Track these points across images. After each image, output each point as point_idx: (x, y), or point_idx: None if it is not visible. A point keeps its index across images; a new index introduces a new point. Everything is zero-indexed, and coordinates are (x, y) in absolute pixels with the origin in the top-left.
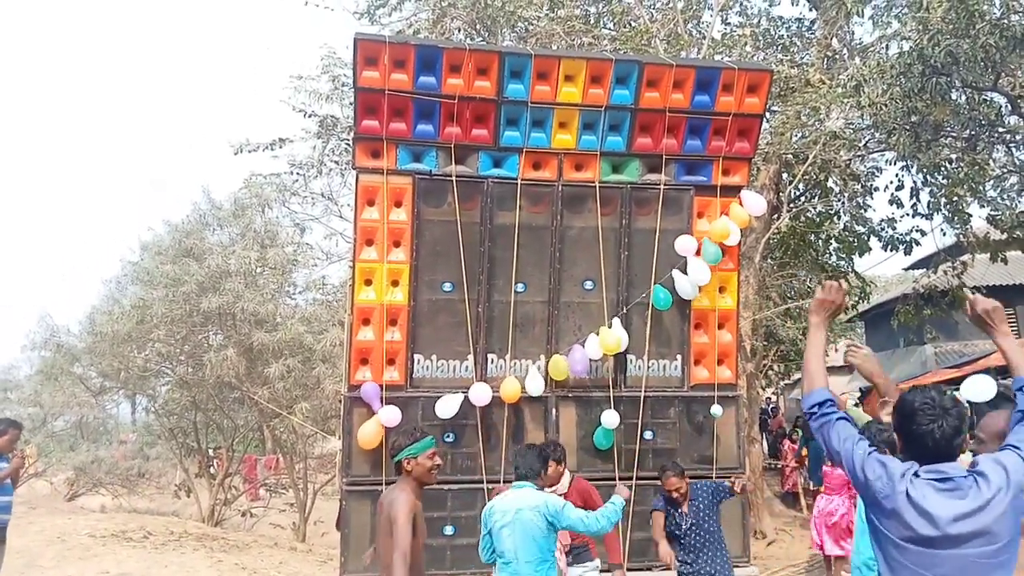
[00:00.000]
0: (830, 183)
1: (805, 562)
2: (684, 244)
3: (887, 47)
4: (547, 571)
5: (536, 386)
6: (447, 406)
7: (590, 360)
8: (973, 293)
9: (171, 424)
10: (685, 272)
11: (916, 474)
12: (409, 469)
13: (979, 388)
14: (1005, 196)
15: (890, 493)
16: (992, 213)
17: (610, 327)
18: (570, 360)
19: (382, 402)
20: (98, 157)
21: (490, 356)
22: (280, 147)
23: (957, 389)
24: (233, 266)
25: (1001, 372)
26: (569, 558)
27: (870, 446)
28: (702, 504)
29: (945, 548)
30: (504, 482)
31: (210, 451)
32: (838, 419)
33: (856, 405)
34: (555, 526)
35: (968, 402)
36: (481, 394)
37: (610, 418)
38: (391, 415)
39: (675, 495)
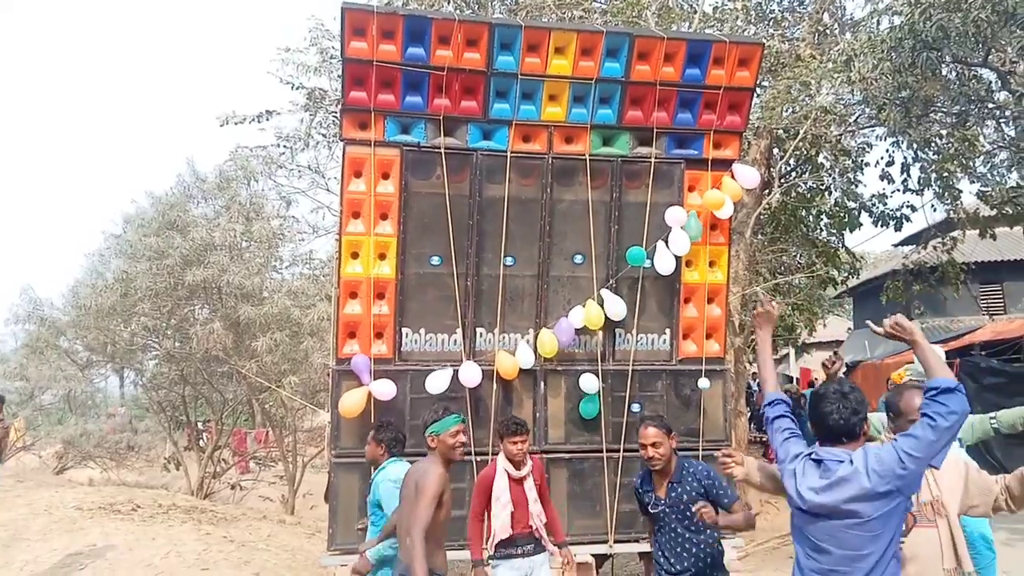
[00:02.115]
0: (821, 158)
1: (790, 534)
2: (674, 215)
3: (878, 22)
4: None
5: (527, 359)
6: (437, 381)
7: (575, 332)
8: (962, 271)
9: (159, 398)
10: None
11: (808, 454)
12: (433, 446)
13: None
14: (995, 172)
15: (784, 468)
16: (982, 189)
17: (598, 299)
18: (556, 331)
19: (371, 375)
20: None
21: (479, 330)
22: (267, 119)
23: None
24: (218, 239)
25: (985, 348)
26: (528, 548)
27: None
28: (685, 492)
29: (815, 516)
30: (494, 454)
31: (199, 424)
32: (774, 418)
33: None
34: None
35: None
36: (471, 374)
37: (589, 382)
38: (384, 388)
39: (650, 452)
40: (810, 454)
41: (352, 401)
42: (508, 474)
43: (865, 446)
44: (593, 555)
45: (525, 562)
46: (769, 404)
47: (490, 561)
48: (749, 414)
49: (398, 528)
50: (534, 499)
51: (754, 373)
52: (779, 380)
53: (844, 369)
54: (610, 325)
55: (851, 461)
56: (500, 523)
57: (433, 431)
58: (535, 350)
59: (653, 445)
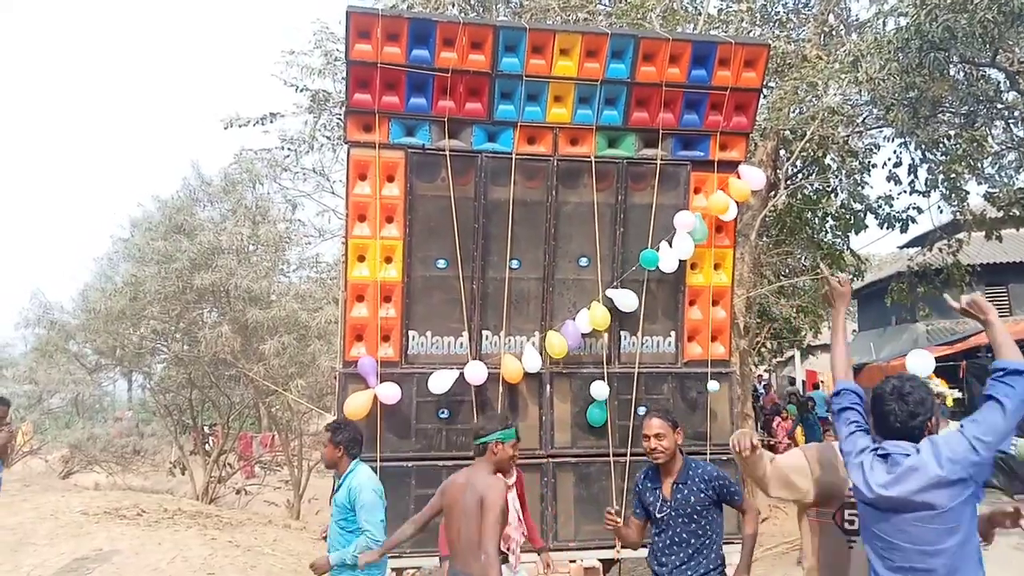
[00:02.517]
0: (828, 160)
1: (799, 539)
2: (683, 220)
3: (884, 22)
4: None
5: (533, 363)
6: (440, 382)
7: (581, 335)
8: (967, 273)
9: (167, 401)
10: (671, 247)
11: (875, 449)
12: (496, 452)
13: (919, 363)
14: (1003, 173)
15: (850, 462)
16: (990, 190)
17: (604, 301)
18: (563, 334)
19: (378, 377)
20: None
21: (485, 333)
22: (271, 122)
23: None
24: (225, 243)
25: (991, 350)
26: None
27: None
28: (693, 494)
29: (883, 510)
30: None
31: (205, 428)
32: (840, 410)
33: None
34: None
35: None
36: (477, 373)
37: (600, 389)
38: (390, 392)
39: (652, 444)
40: (876, 448)
41: (357, 403)
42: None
43: (930, 436)
44: (600, 560)
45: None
46: (837, 394)
47: None
48: (755, 416)
49: (458, 540)
50: (516, 508)
51: (760, 376)
52: (847, 367)
53: None
54: (615, 328)
55: (918, 451)
56: None
57: (501, 437)
58: (541, 353)
59: (656, 436)
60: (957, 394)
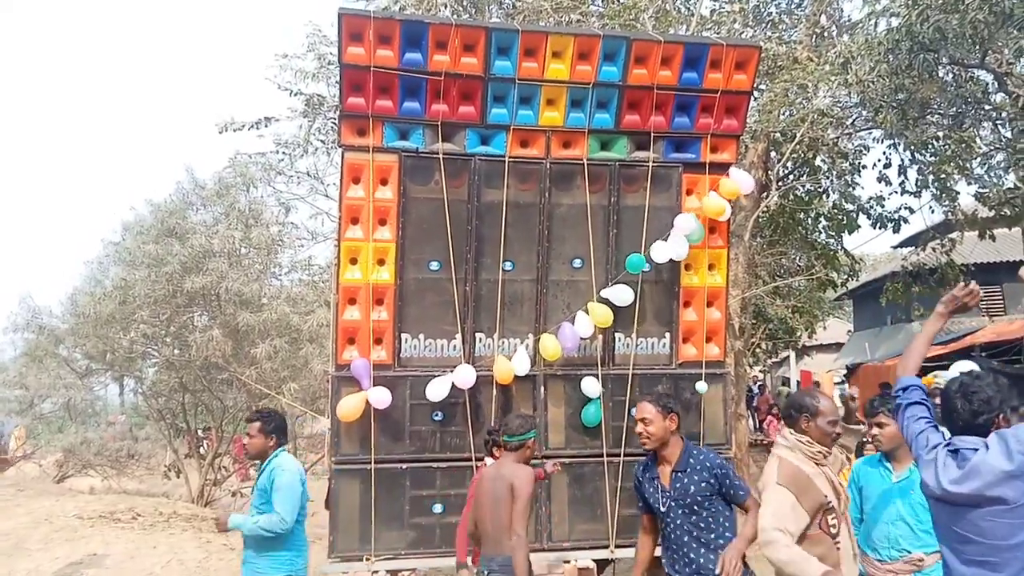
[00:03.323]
0: (818, 161)
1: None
2: (683, 223)
3: (876, 24)
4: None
5: (523, 365)
6: (437, 389)
7: (580, 338)
8: (962, 272)
9: (159, 405)
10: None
11: (947, 444)
12: (530, 447)
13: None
14: (992, 173)
15: (922, 459)
16: (980, 190)
17: (599, 301)
18: (560, 337)
19: (371, 379)
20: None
21: (478, 335)
22: (265, 126)
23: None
24: (217, 246)
25: (985, 349)
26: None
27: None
28: (693, 483)
29: (956, 506)
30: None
31: (199, 432)
32: (908, 404)
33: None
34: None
35: None
36: (466, 376)
37: (591, 386)
38: (380, 396)
39: (639, 428)
40: (947, 444)
41: (350, 405)
42: None
43: (999, 431)
44: (595, 560)
45: None
46: (904, 389)
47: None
48: (749, 417)
49: (489, 526)
50: None
51: (755, 376)
52: (917, 366)
53: (846, 370)
54: (610, 329)
55: (987, 447)
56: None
57: (531, 436)
58: (534, 355)
59: (643, 421)
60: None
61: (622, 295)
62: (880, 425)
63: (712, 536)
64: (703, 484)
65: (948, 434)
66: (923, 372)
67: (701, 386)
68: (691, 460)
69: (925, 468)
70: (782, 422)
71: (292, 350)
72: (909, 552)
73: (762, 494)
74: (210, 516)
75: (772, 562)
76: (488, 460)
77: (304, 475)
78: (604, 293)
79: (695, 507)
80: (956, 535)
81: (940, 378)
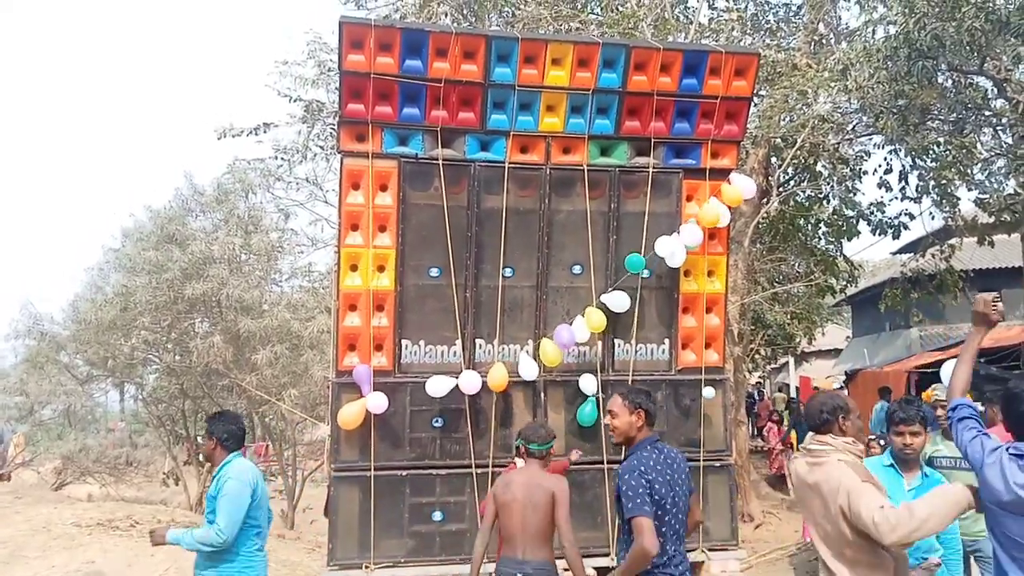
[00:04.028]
0: (819, 167)
1: (793, 544)
2: (688, 234)
3: (873, 31)
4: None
5: (529, 370)
6: (437, 386)
7: (577, 343)
8: (960, 279)
9: (159, 412)
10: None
11: (1008, 449)
12: (550, 454)
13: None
14: (993, 179)
15: (980, 465)
16: (980, 196)
17: (598, 306)
18: (556, 338)
19: (372, 385)
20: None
21: (478, 341)
22: (264, 132)
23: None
24: (217, 252)
25: (984, 355)
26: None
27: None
28: (679, 483)
29: (1016, 513)
30: (494, 466)
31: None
32: (960, 419)
33: (840, 388)
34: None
35: None
36: (471, 382)
37: (589, 384)
38: (378, 402)
39: (608, 422)
40: (1008, 448)
41: (351, 413)
42: None
43: None
44: (595, 568)
45: None
46: (954, 408)
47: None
48: (749, 423)
49: (520, 530)
50: None
51: (756, 383)
52: (965, 388)
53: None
54: (609, 336)
55: None
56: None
57: (552, 445)
58: (535, 361)
59: (610, 413)
60: (980, 407)
61: (619, 302)
62: (916, 434)
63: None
64: (686, 481)
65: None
66: (921, 379)
67: (708, 392)
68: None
69: (989, 470)
70: (809, 431)
71: (293, 356)
72: (926, 558)
73: (850, 497)
74: (147, 530)
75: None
76: (519, 461)
77: (257, 482)
78: (603, 299)
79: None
80: (1014, 543)
81: (939, 391)
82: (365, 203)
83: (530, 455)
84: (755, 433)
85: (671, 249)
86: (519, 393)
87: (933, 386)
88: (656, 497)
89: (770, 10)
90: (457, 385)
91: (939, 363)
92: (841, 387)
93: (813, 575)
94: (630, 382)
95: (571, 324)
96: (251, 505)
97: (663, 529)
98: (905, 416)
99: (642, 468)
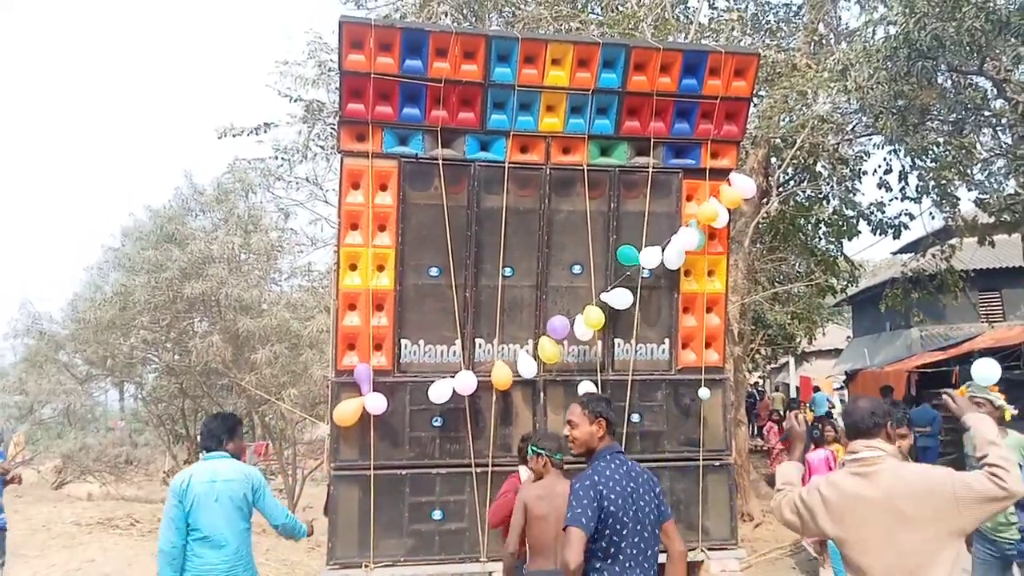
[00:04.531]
0: (819, 167)
1: (792, 544)
2: (685, 236)
3: (873, 31)
4: (248, 545)
5: (529, 369)
6: (440, 391)
7: (577, 341)
8: (961, 279)
9: (159, 411)
10: (663, 252)
11: None
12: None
13: (985, 372)
14: (992, 179)
15: None
16: (980, 196)
17: (599, 305)
18: (549, 327)
19: (372, 385)
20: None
21: (478, 341)
22: (265, 132)
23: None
24: (216, 252)
25: (985, 355)
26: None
27: None
28: (643, 500)
29: None
30: (494, 466)
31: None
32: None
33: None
34: (251, 502)
35: None
36: (466, 383)
37: (587, 387)
38: (377, 403)
39: (567, 432)
40: None
41: (346, 411)
42: None
43: None
44: None
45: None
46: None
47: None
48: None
49: (555, 541)
50: None
51: (755, 383)
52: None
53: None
54: (609, 335)
55: None
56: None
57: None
58: (535, 360)
59: (569, 423)
60: (1014, 411)
61: (621, 299)
62: (904, 436)
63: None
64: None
65: None
66: (922, 379)
67: (704, 392)
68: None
69: None
70: (846, 437)
71: (292, 356)
72: None
73: (965, 480)
74: (147, 529)
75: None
76: (522, 469)
77: (180, 489)
78: (604, 297)
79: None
80: None
81: (973, 388)
82: (365, 203)
83: (554, 465)
84: (755, 432)
85: (666, 256)
86: (519, 393)
87: (968, 383)
88: (606, 513)
89: (770, 10)
90: (456, 390)
91: (940, 363)
92: (841, 387)
93: (813, 574)
94: (630, 382)
95: (571, 321)
96: (190, 510)
97: (617, 550)
98: (894, 419)
99: (596, 479)
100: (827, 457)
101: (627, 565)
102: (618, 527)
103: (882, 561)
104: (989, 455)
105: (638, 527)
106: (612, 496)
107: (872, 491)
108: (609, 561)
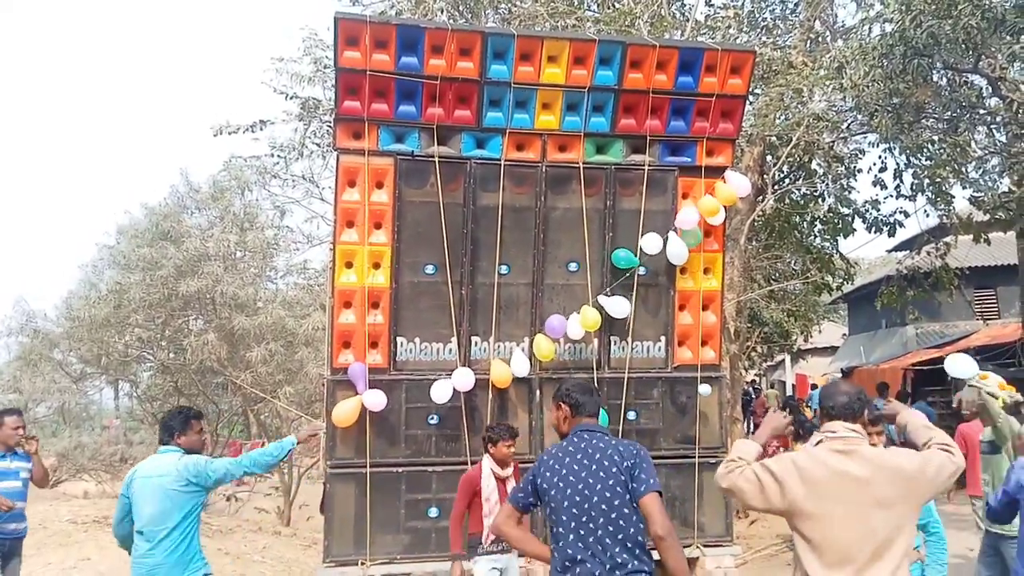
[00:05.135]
0: (814, 165)
1: (787, 541)
2: (686, 217)
3: (869, 29)
4: (190, 539)
5: (521, 367)
6: (440, 391)
7: (572, 339)
8: (956, 276)
9: (154, 409)
10: (665, 246)
11: None
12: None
13: (959, 366)
14: (987, 177)
15: None
16: (975, 194)
17: (595, 307)
18: (547, 327)
19: (367, 383)
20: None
21: (474, 339)
22: (261, 129)
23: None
24: (212, 249)
25: (980, 352)
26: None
27: None
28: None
29: None
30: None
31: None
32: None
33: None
34: (202, 486)
35: None
36: (464, 380)
37: None
38: (375, 399)
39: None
40: None
41: (345, 410)
42: (495, 474)
43: None
44: None
45: (504, 557)
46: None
47: (475, 559)
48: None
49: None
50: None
51: (751, 380)
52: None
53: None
54: (605, 333)
55: None
56: (488, 520)
57: None
58: (531, 358)
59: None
60: (1018, 396)
61: (618, 307)
62: (880, 433)
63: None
64: None
65: None
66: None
67: (704, 389)
68: None
69: None
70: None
71: (287, 354)
72: (916, 549)
73: (940, 463)
74: None
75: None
76: (486, 458)
77: (127, 483)
78: (602, 301)
79: None
80: None
81: (990, 379)
82: (361, 200)
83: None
84: (751, 430)
85: (666, 247)
86: (514, 390)
87: (981, 373)
88: (540, 490)
89: (766, 7)
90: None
91: (935, 361)
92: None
93: None
94: (626, 379)
95: (567, 320)
96: (133, 504)
97: (556, 526)
98: (871, 418)
99: (542, 457)
100: None
101: (569, 540)
102: (552, 504)
103: (847, 536)
104: (934, 436)
105: (584, 504)
106: (547, 474)
107: (857, 470)
108: (555, 539)
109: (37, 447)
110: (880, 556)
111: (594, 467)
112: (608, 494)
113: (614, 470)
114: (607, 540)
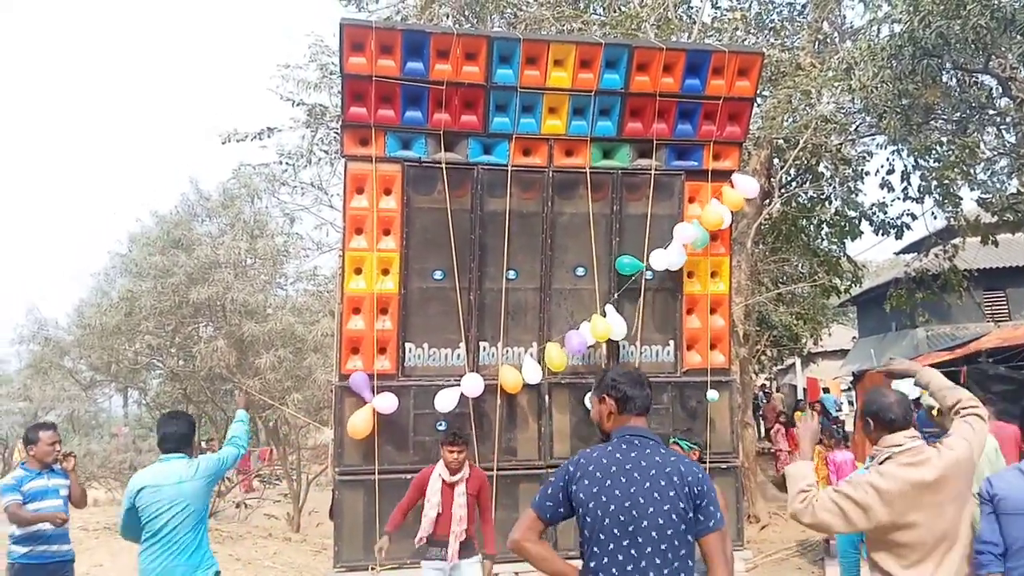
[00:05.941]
0: (821, 168)
1: (798, 545)
2: (683, 232)
3: (878, 30)
4: (202, 537)
5: (533, 374)
6: (445, 400)
7: (586, 345)
8: (965, 278)
9: None
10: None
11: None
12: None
13: (905, 388)
14: (995, 179)
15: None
16: (983, 196)
17: (603, 314)
18: (567, 344)
19: (373, 392)
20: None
21: (482, 344)
22: (269, 136)
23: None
24: (222, 257)
25: (991, 355)
26: (446, 552)
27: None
28: (646, 495)
29: None
30: (499, 469)
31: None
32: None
33: (848, 389)
34: (217, 478)
35: None
36: (474, 386)
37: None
38: (386, 402)
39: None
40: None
41: (360, 421)
42: (442, 479)
43: None
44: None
45: (446, 564)
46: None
47: (422, 562)
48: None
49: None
50: (460, 504)
51: (762, 385)
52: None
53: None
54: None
55: None
56: (427, 520)
57: None
58: (541, 363)
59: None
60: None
61: (618, 329)
62: None
63: None
64: None
65: None
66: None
67: (712, 395)
68: None
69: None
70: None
71: (296, 360)
72: None
73: (975, 445)
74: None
75: None
76: (440, 462)
77: (131, 491)
78: (608, 310)
79: None
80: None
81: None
82: (369, 207)
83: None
84: (762, 435)
85: (666, 261)
86: (523, 396)
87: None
88: (576, 500)
89: (774, 9)
90: (462, 393)
91: (947, 363)
92: (849, 388)
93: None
94: None
95: (577, 328)
96: (144, 513)
97: (591, 546)
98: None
99: (579, 460)
100: (853, 459)
101: (604, 564)
102: (589, 519)
103: (929, 536)
104: (961, 399)
105: (629, 526)
106: (586, 482)
107: (929, 475)
108: (590, 559)
109: (75, 464)
110: (953, 542)
111: (647, 484)
112: (662, 520)
113: (671, 493)
114: (651, 574)
